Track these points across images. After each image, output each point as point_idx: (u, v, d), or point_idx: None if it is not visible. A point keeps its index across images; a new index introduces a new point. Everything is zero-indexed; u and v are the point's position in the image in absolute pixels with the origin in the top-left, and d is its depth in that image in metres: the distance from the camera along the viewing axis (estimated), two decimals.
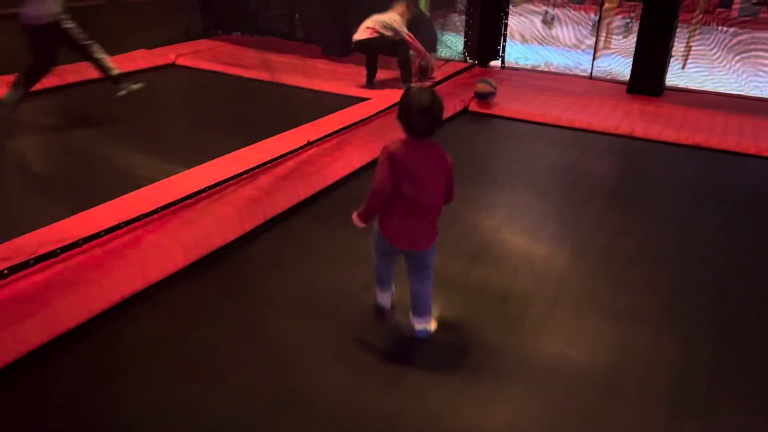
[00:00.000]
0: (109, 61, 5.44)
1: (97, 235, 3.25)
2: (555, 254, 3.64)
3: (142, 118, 5.68)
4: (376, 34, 6.34)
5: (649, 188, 4.61)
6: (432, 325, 2.88)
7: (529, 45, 8.91)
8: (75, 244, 3.14)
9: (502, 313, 3.06)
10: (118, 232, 3.33)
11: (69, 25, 5.17)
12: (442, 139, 4.69)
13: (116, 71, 5.48)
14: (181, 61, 7.57)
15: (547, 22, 9.75)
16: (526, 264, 3.53)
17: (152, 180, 3.99)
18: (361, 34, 6.48)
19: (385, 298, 2.98)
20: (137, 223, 3.43)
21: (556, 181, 4.68)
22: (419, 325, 2.82)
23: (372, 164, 4.71)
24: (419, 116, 2.52)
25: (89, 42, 5.30)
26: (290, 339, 2.83)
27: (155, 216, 3.53)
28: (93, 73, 5.78)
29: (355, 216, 2.70)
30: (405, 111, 2.55)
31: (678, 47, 8.29)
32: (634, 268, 3.48)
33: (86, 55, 5.37)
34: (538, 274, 3.41)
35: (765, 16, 10.78)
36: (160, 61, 7.46)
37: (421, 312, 2.80)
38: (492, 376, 2.63)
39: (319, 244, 3.66)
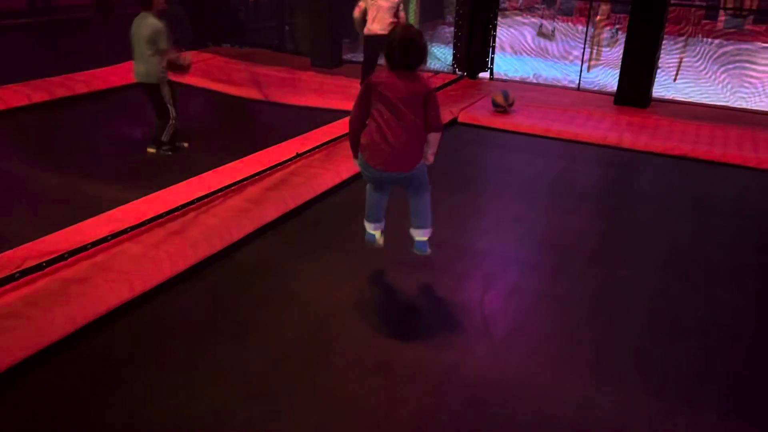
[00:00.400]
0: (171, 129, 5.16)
1: (83, 248, 3.23)
2: (541, 260, 3.65)
3: (131, 132, 5.67)
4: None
5: (636, 198, 4.64)
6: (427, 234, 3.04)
7: (518, 56, 9.00)
8: (61, 257, 3.13)
9: (486, 307, 3.08)
10: (105, 244, 3.32)
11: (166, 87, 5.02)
12: None
13: (167, 137, 5.19)
14: (169, 75, 7.54)
15: (546, 34, 9.85)
16: (513, 266, 3.56)
17: (139, 194, 3.97)
18: (380, 26, 6.07)
19: (375, 229, 3.11)
20: (124, 236, 3.42)
21: (544, 191, 4.71)
22: (418, 237, 2.98)
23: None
24: (398, 49, 2.71)
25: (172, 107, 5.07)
26: (278, 346, 2.82)
27: (143, 228, 3.52)
28: (83, 88, 5.79)
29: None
30: (387, 45, 2.75)
31: (669, 59, 8.41)
32: (620, 273, 3.51)
33: (163, 117, 5.06)
34: (523, 277, 3.42)
35: (750, 28, 10.94)
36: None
37: (419, 224, 2.98)
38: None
39: (308, 253, 3.66)
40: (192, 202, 3.84)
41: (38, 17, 10.19)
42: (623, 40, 6.81)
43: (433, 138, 2.89)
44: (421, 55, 2.74)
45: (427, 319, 3.11)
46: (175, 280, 3.27)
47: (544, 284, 3.43)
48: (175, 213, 3.72)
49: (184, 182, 4.19)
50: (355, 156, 2.93)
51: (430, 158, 2.97)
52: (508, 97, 6.28)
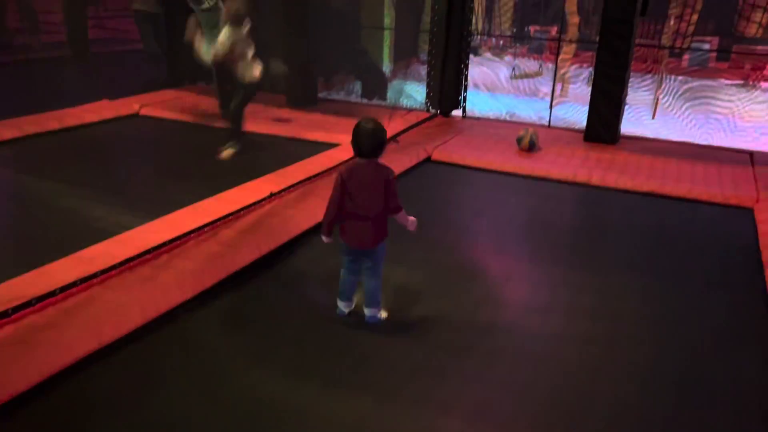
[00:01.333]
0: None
1: (51, 293, 3.18)
2: (512, 294, 3.68)
3: (103, 169, 5.64)
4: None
5: (606, 237, 4.72)
6: (382, 314, 3.42)
7: (490, 93, 9.19)
8: (28, 303, 3.07)
9: (451, 349, 3.07)
10: (74, 289, 3.27)
11: None
12: (405, 187, 4.78)
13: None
14: (145, 111, 7.57)
15: (525, 75, 10.08)
16: (484, 302, 3.59)
17: (111, 233, 3.93)
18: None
19: (346, 307, 3.45)
20: (94, 280, 3.37)
21: (516, 229, 4.77)
22: (370, 313, 3.38)
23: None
24: (363, 140, 3.12)
25: None
26: (252, 394, 2.78)
27: (113, 272, 3.47)
28: (53, 124, 5.74)
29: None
30: (353, 136, 3.15)
31: (646, 97, 8.66)
32: (593, 310, 3.55)
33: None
34: (498, 314, 3.44)
35: (713, 65, 11.32)
36: (124, 111, 7.45)
37: (370, 303, 3.38)
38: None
39: (279, 301, 3.64)
40: (164, 245, 3.81)
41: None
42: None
43: (399, 218, 3.27)
44: (381, 142, 3.15)
45: (404, 349, 3.09)
46: (148, 327, 3.23)
47: (520, 325, 3.44)
48: (147, 256, 3.69)
49: (157, 220, 4.16)
50: (327, 234, 3.31)
51: (412, 226, 3.30)
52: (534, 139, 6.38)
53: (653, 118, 8.16)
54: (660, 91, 8.75)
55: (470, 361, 3.10)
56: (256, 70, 5.91)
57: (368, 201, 3.17)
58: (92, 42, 10.25)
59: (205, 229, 4.11)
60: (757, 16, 10.63)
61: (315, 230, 4.52)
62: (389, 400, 2.79)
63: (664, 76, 9.16)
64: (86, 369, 2.90)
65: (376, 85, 8.87)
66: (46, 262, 3.49)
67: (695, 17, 10.78)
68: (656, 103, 8.49)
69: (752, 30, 10.88)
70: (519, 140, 6.43)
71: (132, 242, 3.78)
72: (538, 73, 10.22)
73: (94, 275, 3.38)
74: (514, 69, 10.51)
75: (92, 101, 7.48)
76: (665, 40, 10.17)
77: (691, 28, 11.01)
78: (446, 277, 3.96)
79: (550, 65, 8.87)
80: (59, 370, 2.83)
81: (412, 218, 3.29)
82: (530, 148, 6.35)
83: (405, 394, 2.83)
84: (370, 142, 3.12)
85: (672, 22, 9.73)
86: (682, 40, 10.99)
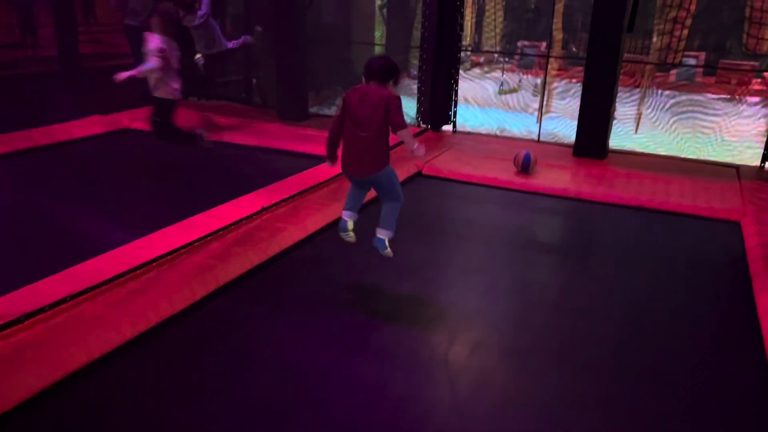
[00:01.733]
0: None
1: (41, 310, 3.16)
2: (505, 313, 3.69)
3: (93, 185, 5.63)
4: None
5: (596, 250, 4.75)
6: (388, 249, 3.50)
7: (481, 108, 9.25)
8: (17, 320, 3.05)
9: (450, 362, 3.08)
10: (63, 306, 3.25)
11: None
12: None
13: None
14: (135, 126, 7.57)
15: (504, 91, 10.17)
16: (477, 320, 3.60)
17: (102, 250, 3.92)
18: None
19: (348, 217, 3.55)
20: (83, 296, 3.36)
21: (507, 244, 4.79)
22: (379, 234, 3.44)
23: (327, 227, 4.77)
24: (369, 65, 3.32)
25: None
26: (239, 409, 2.77)
27: (102, 288, 3.46)
28: (43, 140, 5.73)
29: None
30: (367, 62, 3.35)
31: (627, 111, 8.73)
32: (583, 325, 3.57)
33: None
34: (487, 329, 3.45)
35: (699, 80, 11.46)
36: (115, 126, 7.45)
37: (381, 225, 3.43)
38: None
39: (272, 311, 3.64)
40: (154, 260, 3.81)
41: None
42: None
43: (403, 135, 3.27)
44: (387, 69, 3.29)
45: (390, 375, 3.09)
46: (135, 342, 3.22)
47: (508, 338, 3.46)
48: (137, 271, 3.68)
49: (148, 236, 4.15)
50: (330, 161, 3.47)
51: (418, 151, 3.37)
52: (529, 163, 6.17)
53: (636, 132, 8.24)
54: (643, 105, 8.84)
55: (467, 350, 3.12)
56: (168, 88, 5.84)
57: (368, 118, 3.20)
58: (83, 57, 10.25)
59: (196, 244, 4.10)
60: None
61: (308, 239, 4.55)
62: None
63: (647, 91, 9.27)
64: (73, 385, 2.88)
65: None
66: (36, 278, 3.47)
67: (686, 32, 10.92)
68: (639, 118, 8.58)
69: (765, 47, 10.99)
70: (515, 160, 6.31)
71: (122, 258, 3.78)
72: (514, 89, 10.33)
73: (84, 291, 3.37)
74: (502, 84, 10.60)
75: (83, 116, 7.48)
76: (653, 56, 10.29)
77: (682, 44, 11.15)
78: (437, 289, 3.97)
79: (537, 79, 8.96)
80: (48, 386, 2.81)
81: (419, 143, 3.31)
82: (524, 169, 6.23)
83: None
84: (378, 62, 3.27)
85: (655, 39, 9.84)
86: (673, 55, 11.13)
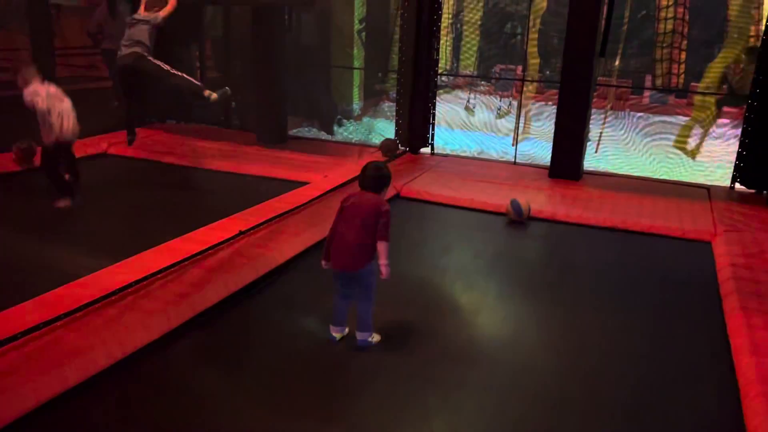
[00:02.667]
0: None
1: (13, 338, 3.13)
2: (482, 341, 3.72)
3: (69, 211, 5.58)
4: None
5: (570, 271, 4.81)
6: (374, 337, 3.58)
7: (460, 130, 9.36)
8: None
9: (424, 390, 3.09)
10: (36, 333, 3.22)
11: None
12: None
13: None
14: (113, 151, 7.54)
15: (501, 114, 10.31)
16: (454, 336, 3.63)
17: (77, 275, 3.88)
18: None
19: (334, 332, 3.59)
20: (58, 323, 3.33)
21: (483, 266, 4.84)
22: (359, 336, 3.54)
23: (306, 252, 4.77)
24: (364, 175, 3.51)
25: None
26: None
27: (77, 314, 3.43)
28: (14, 166, 5.68)
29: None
30: (362, 172, 3.53)
31: (610, 133, 8.91)
32: (557, 343, 3.61)
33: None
34: (462, 359, 3.47)
35: (673, 101, 11.71)
36: (91, 151, 7.40)
37: (360, 327, 3.53)
38: None
39: (249, 340, 3.63)
40: (129, 286, 3.78)
41: None
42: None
43: (381, 247, 3.38)
44: (381, 179, 3.51)
45: (364, 415, 3.08)
46: (109, 371, 3.19)
47: (486, 360, 3.48)
48: (112, 297, 3.65)
49: (123, 261, 4.12)
50: (326, 261, 3.53)
51: (383, 270, 3.39)
52: (520, 209, 5.71)
53: (596, 152, 8.40)
54: (603, 126, 9.03)
55: (443, 391, 3.13)
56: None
57: (352, 229, 3.38)
58: (60, 80, 10.20)
59: (172, 269, 4.08)
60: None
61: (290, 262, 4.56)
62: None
63: (617, 112, 9.47)
64: (47, 414, 2.84)
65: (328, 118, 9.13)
66: (8, 305, 3.43)
67: (683, 56, 11.16)
68: (599, 138, 8.75)
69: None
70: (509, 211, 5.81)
71: (97, 284, 3.74)
72: (507, 112, 10.48)
73: (58, 318, 3.34)
74: (500, 108, 10.71)
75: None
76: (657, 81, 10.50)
77: (683, 67, 11.40)
78: (415, 313, 3.99)
79: (515, 101, 9.11)
80: (21, 416, 2.77)
81: (385, 265, 3.37)
82: (518, 214, 5.71)
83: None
84: (372, 174, 3.49)
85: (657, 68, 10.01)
86: (676, 79, 11.38)
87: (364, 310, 3.51)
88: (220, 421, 2.88)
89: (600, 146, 8.62)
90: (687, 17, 9.80)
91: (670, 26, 9.58)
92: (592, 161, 7.67)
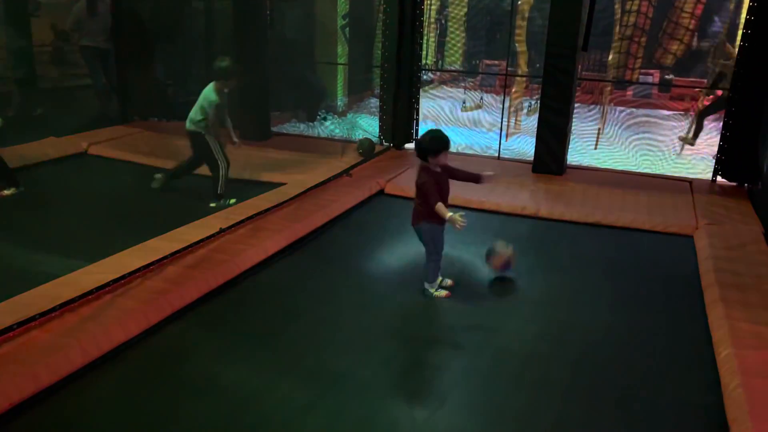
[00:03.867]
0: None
1: None
2: (465, 334, 3.71)
3: (47, 212, 5.50)
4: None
5: (553, 266, 4.80)
6: (431, 290, 4.12)
7: (444, 126, 9.33)
8: None
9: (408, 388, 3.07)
10: (11, 334, 3.16)
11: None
12: (359, 219, 4.84)
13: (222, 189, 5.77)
14: (93, 151, 7.42)
15: (467, 108, 10.31)
16: (437, 342, 3.61)
17: (53, 276, 3.82)
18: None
19: (429, 287, 4.19)
20: (33, 323, 3.27)
21: (466, 262, 4.81)
22: (425, 285, 4.15)
23: (287, 249, 4.74)
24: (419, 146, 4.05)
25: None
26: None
27: (53, 314, 3.38)
28: None
29: None
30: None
31: (585, 127, 8.92)
32: (541, 338, 3.61)
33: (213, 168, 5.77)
34: (446, 353, 3.46)
35: (656, 94, 11.78)
36: (71, 150, 7.29)
37: (424, 276, 4.17)
38: None
39: (228, 336, 3.60)
40: (107, 285, 3.73)
41: None
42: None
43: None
44: (426, 148, 4.01)
45: (348, 399, 3.08)
46: (86, 369, 3.14)
47: (466, 359, 3.47)
48: (89, 296, 3.60)
49: (99, 262, 4.06)
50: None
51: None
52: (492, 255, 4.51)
53: (595, 148, 8.43)
54: (603, 122, 9.05)
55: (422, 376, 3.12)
56: None
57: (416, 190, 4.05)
58: (39, 78, 10.08)
59: (151, 268, 4.04)
60: (673, 46, 11.17)
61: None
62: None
63: (606, 108, 9.49)
64: (17, 417, 2.79)
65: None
66: None
67: (642, 51, 11.23)
68: (598, 135, 8.78)
69: (668, 60, 11.41)
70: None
71: (74, 284, 3.69)
72: (478, 106, 10.49)
73: (33, 318, 3.28)
74: (464, 102, 10.74)
75: (37, 139, 7.31)
76: (611, 73, 10.56)
77: (639, 62, 11.47)
78: (399, 309, 3.98)
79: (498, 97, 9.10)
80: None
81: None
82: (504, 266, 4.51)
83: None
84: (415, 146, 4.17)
85: (611, 56, 10.11)
86: (631, 73, 11.44)
87: (426, 262, 4.11)
88: (187, 425, 2.84)
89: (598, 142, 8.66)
90: (651, 14, 9.90)
91: (632, 19, 9.65)
92: (591, 158, 7.69)
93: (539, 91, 7.18)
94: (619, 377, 3.31)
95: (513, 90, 9.14)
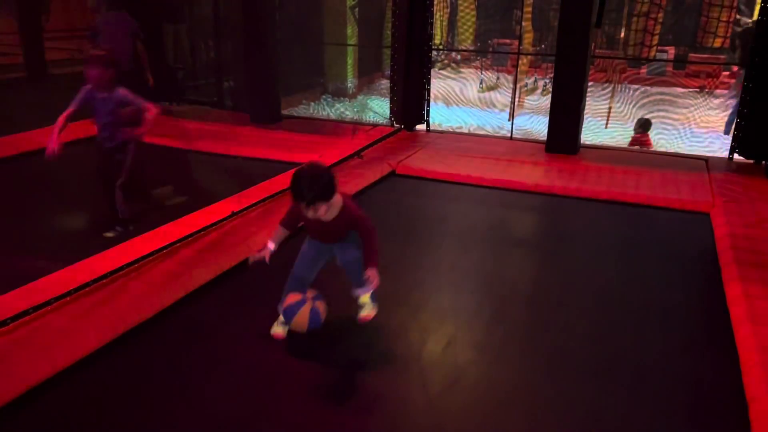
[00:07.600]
0: None
1: (3, 323, 3.09)
2: (479, 309, 3.69)
3: (57, 198, 5.51)
4: None
5: (569, 244, 4.77)
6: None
7: (456, 106, 9.27)
8: None
9: (423, 359, 3.08)
10: (26, 318, 3.18)
11: None
12: (371, 201, 4.81)
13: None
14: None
15: (484, 88, 10.21)
16: (450, 317, 3.60)
17: (66, 262, 3.83)
18: None
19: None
20: (47, 308, 3.29)
21: (480, 240, 4.79)
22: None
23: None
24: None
25: None
26: (211, 417, 2.73)
27: (67, 299, 3.39)
28: (7, 150, 5.60)
29: None
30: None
31: (600, 105, 8.82)
32: (556, 315, 3.59)
33: None
34: (460, 327, 3.44)
35: (670, 71, 11.61)
36: (83, 134, 7.29)
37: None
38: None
39: (237, 318, 3.60)
40: (120, 269, 3.74)
41: None
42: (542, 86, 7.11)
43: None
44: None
45: (364, 374, 3.08)
46: (102, 351, 3.16)
47: (480, 334, 3.46)
48: (103, 281, 3.61)
49: (113, 248, 4.07)
50: None
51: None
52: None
53: (606, 127, 8.33)
54: (612, 101, 8.94)
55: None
56: None
57: None
58: (50, 63, 10.09)
59: (164, 251, 4.04)
60: (721, 30, 10.94)
61: None
62: None
63: (617, 86, 9.38)
64: (36, 399, 2.82)
65: None
66: None
67: (659, 28, 11.06)
68: (609, 113, 8.67)
69: (711, 41, 11.21)
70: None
71: (87, 269, 3.70)
72: (495, 86, 10.40)
73: (48, 302, 3.30)
74: (481, 82, 10.63)
75: (50, 125, 7.30)
76: (626, 51, 10.41)
77: (656, 39, 11.31)
78: (410, 287, 3.96)
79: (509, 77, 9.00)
80: (10, 401, 2.74)
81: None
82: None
83: None
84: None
85: (622, 34, 9.96)
86: (648, 50, 11.28)
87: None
88: (205, 403, 2.85)
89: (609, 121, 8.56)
90: None
91: None
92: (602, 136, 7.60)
93: (547, 71, 7.09)
94: (636, 354, 3.27)
95: (519, 69, 9.04)
